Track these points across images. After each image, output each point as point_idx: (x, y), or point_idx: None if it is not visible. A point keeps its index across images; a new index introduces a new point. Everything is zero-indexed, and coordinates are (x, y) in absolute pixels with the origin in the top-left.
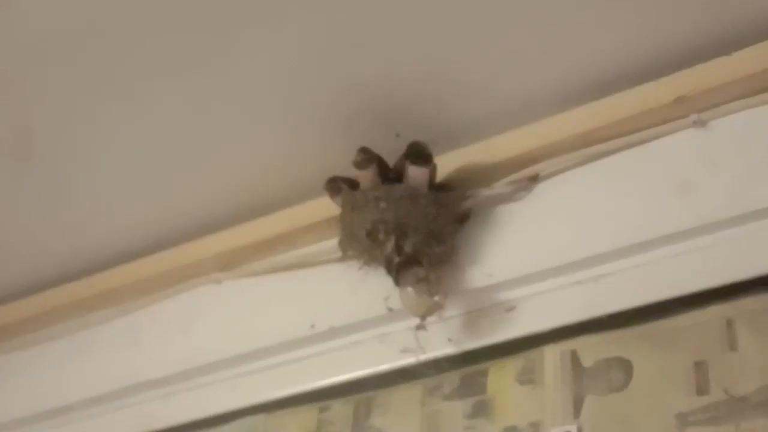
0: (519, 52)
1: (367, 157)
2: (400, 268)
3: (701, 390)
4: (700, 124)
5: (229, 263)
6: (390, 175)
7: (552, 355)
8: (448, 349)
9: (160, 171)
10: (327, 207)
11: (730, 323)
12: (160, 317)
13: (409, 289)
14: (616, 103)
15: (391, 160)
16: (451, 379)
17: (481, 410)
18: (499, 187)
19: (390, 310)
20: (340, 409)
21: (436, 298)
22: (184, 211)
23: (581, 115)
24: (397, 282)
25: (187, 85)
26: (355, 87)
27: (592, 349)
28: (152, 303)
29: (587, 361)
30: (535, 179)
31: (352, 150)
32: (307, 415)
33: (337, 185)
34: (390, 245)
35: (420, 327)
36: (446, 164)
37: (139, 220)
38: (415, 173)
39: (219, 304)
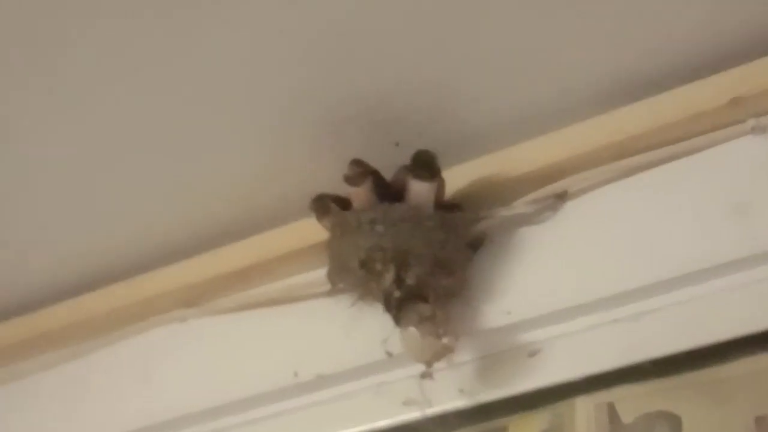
0: (542, 47)
1: (361, 170)
2: (401, 305)
3: None
4: (760, 130)
5: (196, 298)
6: (388, 192)
7: (585, 408)
8: (459, 402)
9: (110, 190)
10: (313, 230)
11: None
12: (112, 363)
13: (412, 329)
14: (660, 105)
15: (389, 174)
16: None
17: None
18: (520, 206)
19: (389, 354)
20: None
21: (445, 340)
22: (141, 237)
23: (617, 119)
24: (398, 321)
25: (147, 86)
26: (347, 91)
27: (632, 401)
28: (103, 346)
29: (627, 416)
30: (562, 197)
31: (344, 163)
32: None
33: (325, 204)
34: (389, 277)
35: (425, 375)
36: (456, 179)
37: (85, 247)
38: (419, 189)
39: (183, 347)
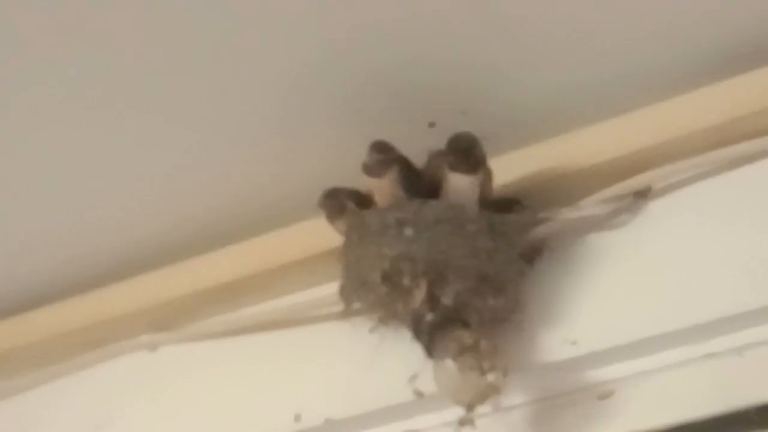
0: (613, 10)
1: (385, 157)
2: (434, 331)
3: None
4: None
5: (170, 319)
6: (420, 186)
7: None
8: None
9: (58, 181)
10: (323, 234)
11: None
12: (60, 402)
13: (449, 362)
14: None
15: (422, 162)
16: None
17: None
18: (590, 206)
19: (418, 395)
20: None
21: (491, 377)
22: (100, 241)
23: (716, 97)
24: (431, 352)
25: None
26: (371, 61)
27: None
28: (48, 380)
29: None
30: (645, 195)
31: (366, 149)
32: None
33: (338, 202)
34: (419, 295)
35: (465, 422)
36: (507, 171)
37: (25, 255)
38: (458, 184)
39: (152, 381)
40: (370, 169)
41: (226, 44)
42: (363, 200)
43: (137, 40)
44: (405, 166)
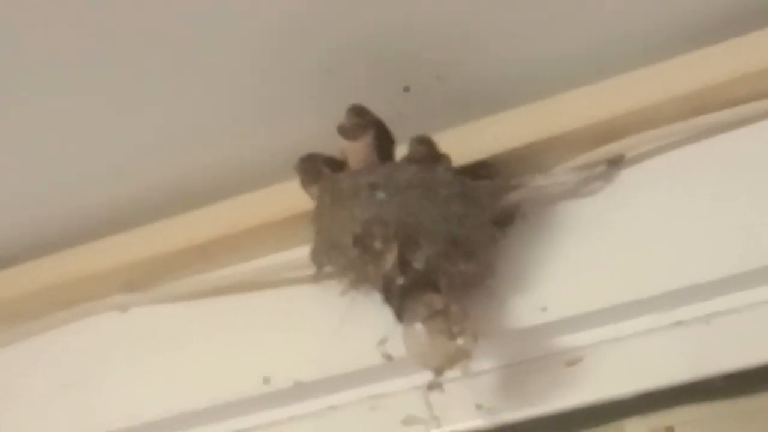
0: None
1: (362, 121)
2: (405, 294)
3: None
4: None
5: (141, 280)
6: (392, 151)
7: None
8: (476, 421)
9: (32, 141)
10: (296, 197)
11: None
12: (28, 363)
13: (419, 326)
14: (746, 48)
15: (396, 128)
16: None
17: None
18: (562, 173)
19: (387, 358)
20: None
21: (460, 341)
22: (70, 200)
23: (690, 66)
24: (401, 316)
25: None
26: (346, 23)
27: (698, 426)
28: (15, 341)
29: None
30: (617, 162)
31: (339, 113)
32: None
33: (315, 167)
34: (390, 258)
35: (434, 386)
36: (481, 137)
37: (3, 215)
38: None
39: (123, 342)
40: (346, 132)
41: (202, 8)
42: (338, 167)
43: (114, 6)
44: (381, 131)
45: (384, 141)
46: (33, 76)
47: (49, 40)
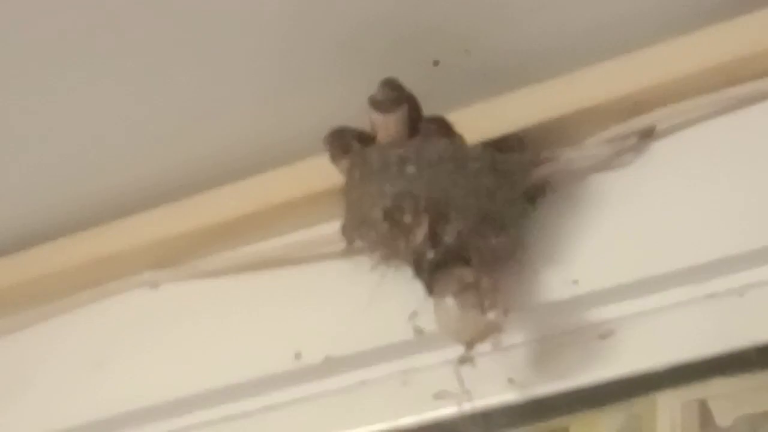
0: None
1: (396, 95)
2: (435, 269)
3: None
4: None
5: (171, 257)
6: (419, 126)
7: (669, 407)
8: (507, 395)
9: (60, 119)
10: (325, 172)
11: None
12: (58, 341)
13: (450, 300)
14: None
15: (425, 97)
16: None
17: None
18: (592, 146)
19: (419, 332)
20: None
21: (491, 315)
22: (100, 179)
23: (722, 36)
24: (431, 290)
25: None
26: (376, 6)
27: (731, 399)
28: (46, 318)
29: (724, 417)
30: (648, 135)
31: (365, 87)
32: None
33: (345, 141)
34: (421, 232)
35: (465, 360)
36: (511, 110)
37: (26, 192)
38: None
39: (153, 320)
40: (380, 105)
41: None
42: (367, 141)
43: None
44: (413, 105)
45: (414, 115)
46: (59, 58)
47: (62, 19)
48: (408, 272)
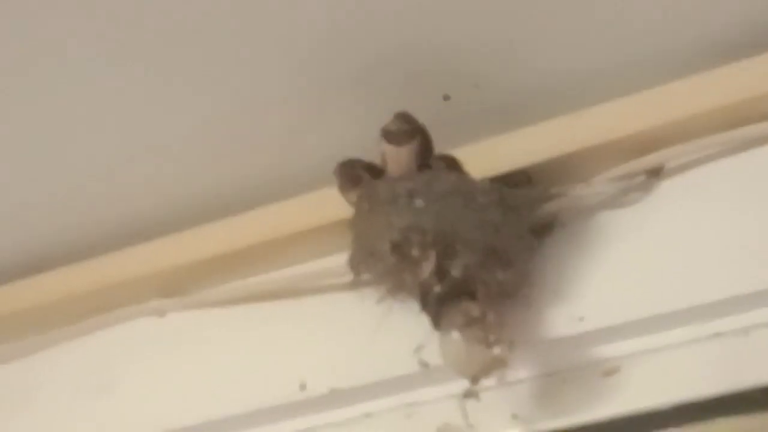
0: None
1: (409, 128)
2: (442, 302)
3: None
4: None
5: (178, 286)
6: (430, 160)
7: None
8: (512, 430)
9: (69, 145)
10: (333, 204)
11: None
12: (64, 367)
13: (455, 334)
14: None
15: (435, 131)
16: None
17: None
18: (601, 183)
19: (424, 366)
20: None
21: (497, 350)
22: (108, 207)
23: (732, 76)
24: (437, 323)
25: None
26: (385, 31)
27: None
28: (52, 344)
29: None
30: (656, 173)
31: (376, 121)
32: None
33: (355, 172)
34: (428, 266)
35: (470, 394)
36: (520, 146)
37: (34, 219)
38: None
39: (160, 347)
40: (392, 137)
41: (242, 11)
42: (377, 173)
43: (153, 6)
44: (426, 140)
45: (425, 150)
46: (73, 81)
47: (80, 41)
48: (414, 305)
